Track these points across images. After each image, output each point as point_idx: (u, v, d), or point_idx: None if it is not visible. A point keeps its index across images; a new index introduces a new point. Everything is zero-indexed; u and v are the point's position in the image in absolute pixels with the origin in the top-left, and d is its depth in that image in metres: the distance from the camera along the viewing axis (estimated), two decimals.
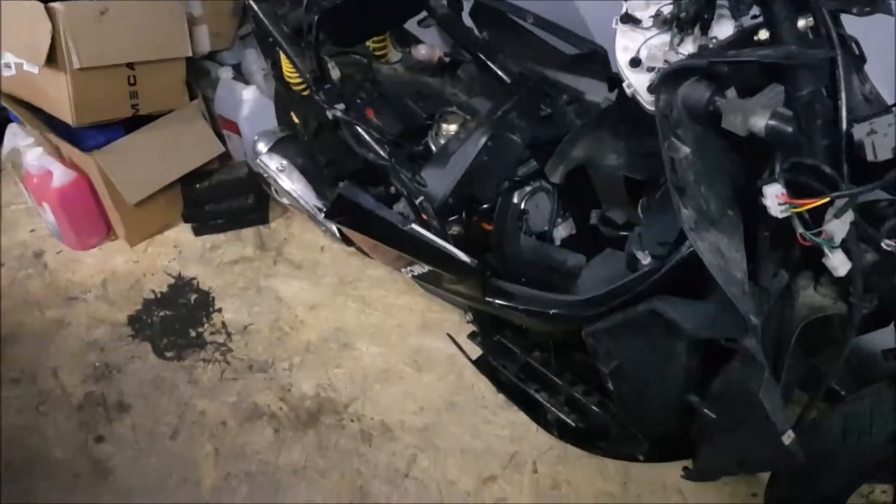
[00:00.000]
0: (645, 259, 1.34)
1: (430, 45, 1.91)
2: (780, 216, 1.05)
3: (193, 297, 2.39)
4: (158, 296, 2.41)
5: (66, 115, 2.34)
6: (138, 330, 2.30)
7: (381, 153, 1.66)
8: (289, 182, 1.96)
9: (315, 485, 1.84)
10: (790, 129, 1.02)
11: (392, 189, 1.74)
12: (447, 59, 1.94)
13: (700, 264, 1.16)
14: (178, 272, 2.48)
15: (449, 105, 1.87)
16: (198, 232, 2.60)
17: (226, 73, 2.74)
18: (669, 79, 1.10)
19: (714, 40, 1.16)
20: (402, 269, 1.69)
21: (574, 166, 1.62)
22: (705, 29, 1.16)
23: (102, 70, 2.32)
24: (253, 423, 2.00)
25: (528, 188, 1.64)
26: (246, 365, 2.16)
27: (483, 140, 1.56)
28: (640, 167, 1.53)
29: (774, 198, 1.04)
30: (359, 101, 1.78)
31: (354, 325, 2.25)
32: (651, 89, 1.17)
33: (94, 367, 2.18)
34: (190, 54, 2.48)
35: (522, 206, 1.63)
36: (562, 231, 1.72)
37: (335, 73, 1.80)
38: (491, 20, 1.84)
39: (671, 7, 1.18)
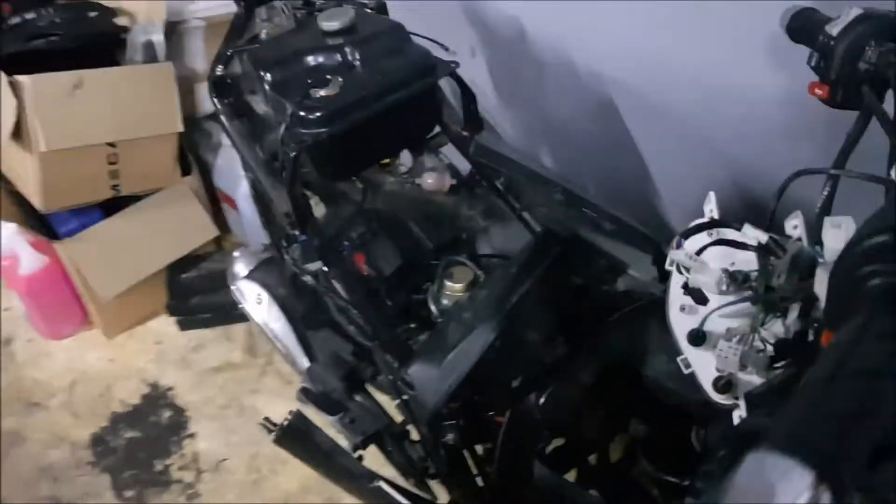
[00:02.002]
0: None
1: (439, 173, 1.54)
2: None
3: (167, 414, 2.08)
4: (129, 409, 2.10)
5: (34, 198, 2.05)
6: (100, 455, 1.99)
7: (365, 331, 1.30)
8: (265, 319, 1.62)
9: None
10: None
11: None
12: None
13: None
14: (155, 380, 2.17)
15: (463, 232, 1.52)
16: (183, 326, 2.29)
17: (228, 141, 2.42)
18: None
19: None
20: None
21: (611, 363, 1.26)
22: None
23: (77, 150, 2.01)
24: None
25: (548, 389, 1.27)
26: None
27: (490, 339, 1.19)
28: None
29: None
30: (345, 246, 1.43)
31: None
32: (720, 388, 0.80)
33: None
34: (180, 129, 2.15)
35: (539, 412, 1.27)
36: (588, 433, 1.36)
37: (319, 211, 1.46)
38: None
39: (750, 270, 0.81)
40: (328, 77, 1.32)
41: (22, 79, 1.89)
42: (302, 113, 1.27)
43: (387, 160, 1.64)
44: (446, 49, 1.66)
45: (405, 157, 1.68)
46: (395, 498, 1.13)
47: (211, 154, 2.44)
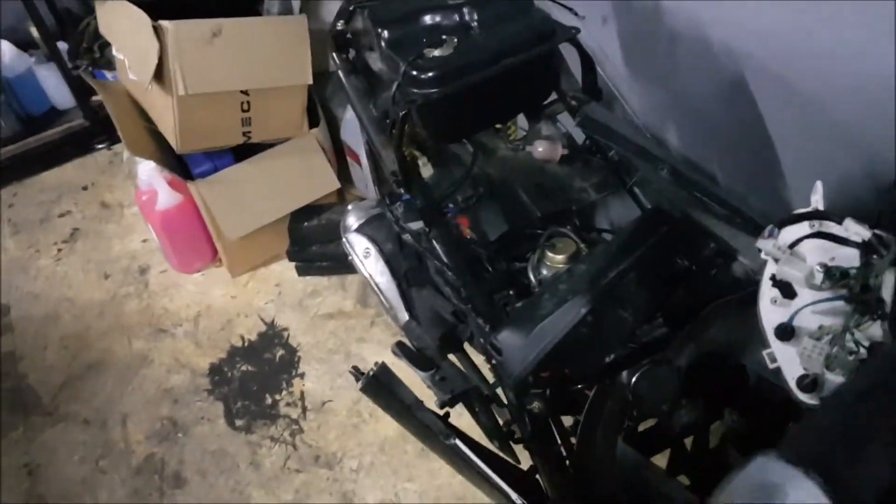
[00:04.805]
0: None
1: (551, 142, 1.50)
2: None
3: (279, 353, 2.18)
4: (246, 344, 2.22)
5: (172, 139, 2.17)
6: (216, 384, 2.12)
7: (460, 293, 1.32)
8: (371, 272, 1.66)
9: None
10: None
11: None
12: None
13: None
14: (272, 319, 2.28)
15: (573, 203, 1.49)
16: (301, 272, 2.38)
17: None
18: None
19: None
20: None
21: (711, 350, 1.22)
22: None
23: (213, 95, 2.11)
24: None
25: (641, 368, 1.24)
26: (313, 455, 1.92)
27: (581, 314, 1.17)
28: None
29: None
30: (450, 208, 1.43)
31: None
32: (804, 387, 0.75)
33: (162, 423, 2.04)
34: (309, 82, 2.21)
35: (630, 391, 1.24)
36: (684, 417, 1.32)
37: (426, 171, 1.46)
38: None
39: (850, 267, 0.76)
40: (444, 38, 1.32)
41: (165, 24, 1.99)
42: (413, 72, 1.27)
43: (502, 125, 1.63)
44: (575, 14, 1.61)
45: (522, 123, 1.66)
46: (468, 456, 1.15)
47: (340, 109, 2.50)
